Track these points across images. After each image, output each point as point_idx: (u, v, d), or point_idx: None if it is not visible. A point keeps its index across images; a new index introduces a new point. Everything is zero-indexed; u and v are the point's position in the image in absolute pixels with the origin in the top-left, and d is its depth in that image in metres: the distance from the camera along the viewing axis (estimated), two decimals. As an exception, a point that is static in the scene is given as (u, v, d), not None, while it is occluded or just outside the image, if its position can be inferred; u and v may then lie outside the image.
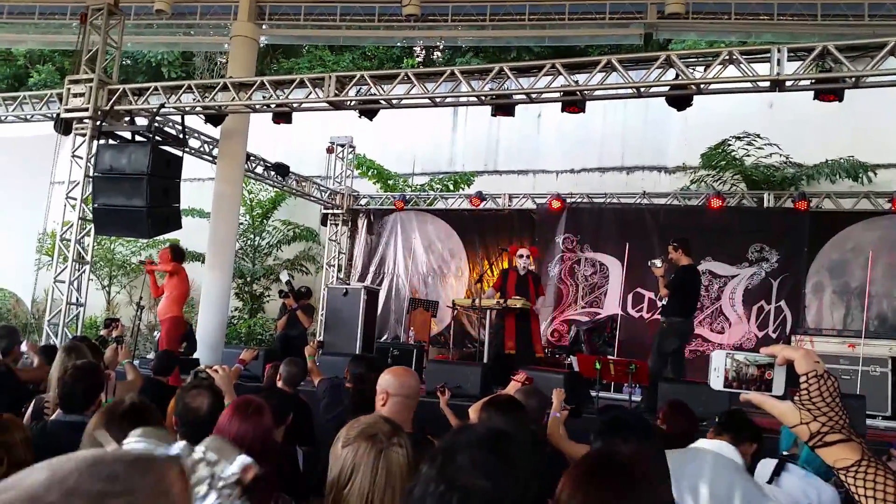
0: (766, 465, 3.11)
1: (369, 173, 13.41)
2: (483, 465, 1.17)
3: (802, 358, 1.17)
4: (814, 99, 6.47)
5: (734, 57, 6.51)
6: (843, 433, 1.13)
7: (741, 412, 3.30)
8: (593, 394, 6.85)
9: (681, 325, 7.05)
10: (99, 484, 0.54)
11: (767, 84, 6.50)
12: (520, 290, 8.60)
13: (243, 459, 0.53)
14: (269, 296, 14.32)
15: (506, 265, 9.30)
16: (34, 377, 4.68)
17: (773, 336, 9.76)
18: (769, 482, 2.99)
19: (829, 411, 1.14)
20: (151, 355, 8.94)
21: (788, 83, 6.44)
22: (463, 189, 13.19)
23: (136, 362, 7.19)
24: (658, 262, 7.03)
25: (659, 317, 7.67)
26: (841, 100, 6.41)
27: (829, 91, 6.33)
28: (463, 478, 1.16)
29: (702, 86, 6.79)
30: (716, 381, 1.28)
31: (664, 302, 7.06)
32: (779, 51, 6.29)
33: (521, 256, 8.81)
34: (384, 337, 11.59)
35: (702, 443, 2.68)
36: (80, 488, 0.54)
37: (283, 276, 10.82)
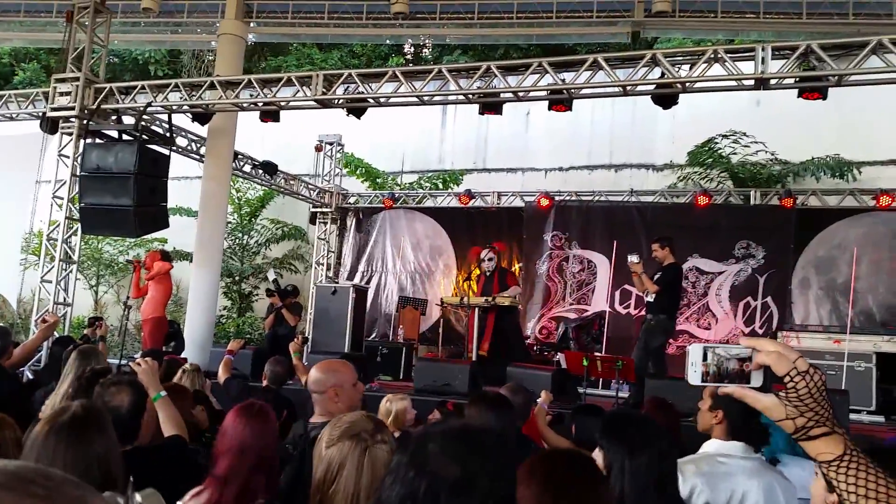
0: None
1: (357, 172, 13.40)
2: (453, 454, 1.17)
3: (777, 361, 1.14)
4: (798, 97, 6.53)
5: (719, 55, 6.55)
6: (827, 426, 1.13)
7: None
8: (581, 390, 6.88)
9: (666, 323, 7.13)
10: (33, 474, 0.60)
11: (752, 82, 6.54)
12: (485, 292, 8.70)
13: None
14: (257, 295, 14.30)
15: (477, 270, 9.39)
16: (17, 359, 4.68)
17: (760, 332, 9.83)
18: None
19: (815, 406, 1.12)
20: (138, 355, 8.91)
21: (773, 81, 6.49)
22: (452, 187, 13.20)
23: (123, 362, 7.18)
24: (636, 259, 7.09)
25: (635, 312, 7.72)
26: (825, 98, 6.47)
27: (812, 89, 6.39)
28: (433, 464, 1.16)
29: (687, 84, 6.84)
30: (693, 376, 1.24)
31: (650, 299, 7.10)
32: (763, 49, 6.34)
33: (483, 260, 8.89)
34: (373, 335, 11.60)
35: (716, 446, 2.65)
36: (16, 471, 0.60)
37: (270, 275, 10.82)
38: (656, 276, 7.16)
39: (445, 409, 4.17)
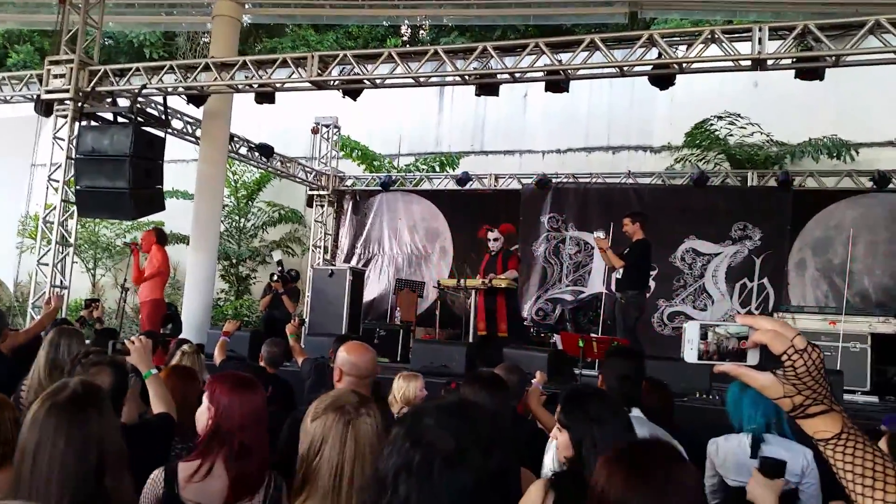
0: (732, 441, 3.13)
1: (354, 155, 13.36)
2: (448, 427, 1.21)
3: (774, 339, 1.12)
4: (795, 77, 6.51)
5: (716, 36, 6.52)
6: (825, 404, 1.11)
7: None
8: (577, 371, 6.91)
9: (638, 298, 7.25)
10: None
11: (749, 63, 6.51)
12: (489, 270, 8.73)
13: None
14: (255, 278, 14.31)
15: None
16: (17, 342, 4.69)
17: (756, 313, 9.86)
18: (752, 457, 3.01)
19: (813, 384, 1.10)
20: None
21: (770, 62, 6.46)
22: (449, 170, 13.18)
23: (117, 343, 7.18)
24: (601, 234, 7.19)
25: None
26: (822, 79, 6.44)
27: (809, 70, 6.35)
28: (428, 436, 1.20)
29: (684, 65, 6.80)
30: (690, 354, 1.22)
31: (618, 275, 7.21)
32: (760, 30, 6.30)
33: (490, 240, 8.91)
34: (370, 317, 11.62)
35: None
36: None
37: (276, 255, 10.80)
38: (625, 252, 7.28)
39: (451, 388, 4.20)
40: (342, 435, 1.74)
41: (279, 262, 10.14)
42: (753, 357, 1.19)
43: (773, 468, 2.35)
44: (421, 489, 1.18)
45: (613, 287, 7.80)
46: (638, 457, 1.37)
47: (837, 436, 1.09)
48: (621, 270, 7.21)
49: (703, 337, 1.22)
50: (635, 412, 2.88)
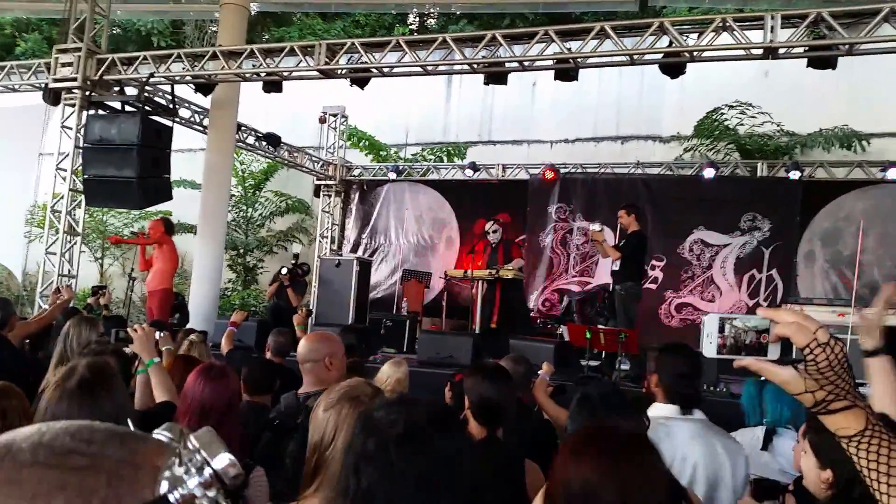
0: (746, 434, 3.13)
1: (360, 144, 13.32)
2: (397, 414, 1.31)
3: (797, 332, 1.08)
4: (807, 66, 6.43)
5: (727, 24, 6.44)
6: (848, 399, 1.06)
7: None
8: (583, 363, 6.89)
9: (636, 289, 7.24)
10: (71, 443, 0.56)
11: (760, 51, 6.44)
12: (491, 262, 8.71)
13: (227, 457, 0.50)
14: (262, 267, 14.32)
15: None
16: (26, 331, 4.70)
17: (764, 305, 9.81)
18: (763, 449, 3.00)
19: (836, 379, 1.06)
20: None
21: (782, 51, 6.39)
22: (456, 160, 13.13)
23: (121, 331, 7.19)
24: (597, 227, 7.20)
25: (651, 286, 7.75)
26: (834, 67, 6.36)
27: (822, 58, 6.28)
28: (378, 423, 1.30)
29: (695, 53, 6.73)
30: (709, 348, 1.19)
31: (615, 267, 7.21)
32: (772, 18, 6.23)
33: (489, 232, 8.87)
34: (376, 308, 11.61)
35: (658, 410, 2.67)
36: (52, 443, 0.55)
37: (295, 249, 10.83)
38: (621, 244, 7.27)
39: (456, 381, 4.19)
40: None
41: (295, 255, 10.15)
42: (774, 351, 1.15)
43: (765, 490, 2.31)
44: (382, 474, 1.23)
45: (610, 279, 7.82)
46: (605, 442, 1.30)
47: (861, 433, 1.05)
48: (618, 263, 7.23)
49: (721, 330, 1.18)
50: (698, 414, 2.66)
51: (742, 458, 2.54)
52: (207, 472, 0.58)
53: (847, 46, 6.14)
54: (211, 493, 0.58)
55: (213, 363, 2.50)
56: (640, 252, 7.34)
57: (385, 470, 1.22)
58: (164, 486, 0.56)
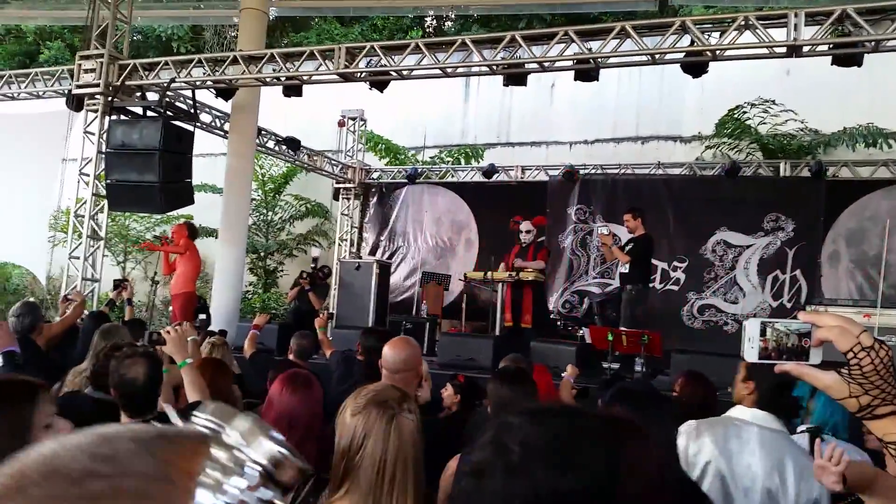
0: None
1: (378, 149, 13.34)
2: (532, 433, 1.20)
3: (840, 336, 1.06)
4: (831, 64, 6.34)
5: (750, 22, 6.37)
6: (894, 404, 1.05)
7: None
8: (605, 365, 6.85)
9: (644, 292, 7.36)
10: (90, 463, 0.47)
11: (784, 50, 6.36)
12: (520, 258, 8.67)
13: (274, 447, 0.42)
14: (282, 271, 14.39)
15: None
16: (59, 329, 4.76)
17: (788, 306, 9.69)
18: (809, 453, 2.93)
19: (882, 384, 1.04)
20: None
21: (805, 49, 6.31)
22: (474, 162, 13.11)
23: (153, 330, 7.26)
24: (605, 231, 7.21)
25: (673, 287, 7.71)
26: (860, 65, 6.27)
27: (847, 56, 6.19)
28: (504, 437, 1.14)
29: (717, 52, 6.66)
30: (750, 353, 1.17)
31: (624, 270, 7.24)
32: (795, 15, 6.15)
33: (522, 231, 8.82)
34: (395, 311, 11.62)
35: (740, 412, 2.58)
36: (68, 467, 0.47)
37: (315, 252, 10.90)
38: (627, 248, 7.28)
39: (457, 382, 4.18)
40: (386, 430, 1.71)
41: (314, 259, 10.19)
42: (816, 356, 1.13)
43: None
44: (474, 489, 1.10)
45: (619, 281, 7.82)
46: None
47: None
48: (626, 265, 7.27)
49: (763, 334, 1.16)
50: (777, 425, 2.51)
51: (814, 483, 2.41)
52: (252, 469, 0.49)
53: (873, 43, 6.05)
54: (264, 496, 0.48)
55: (298, 371, 2.46)
56: (647, 255, 7.42)
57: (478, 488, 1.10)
58: (203, 497, 0.46)
